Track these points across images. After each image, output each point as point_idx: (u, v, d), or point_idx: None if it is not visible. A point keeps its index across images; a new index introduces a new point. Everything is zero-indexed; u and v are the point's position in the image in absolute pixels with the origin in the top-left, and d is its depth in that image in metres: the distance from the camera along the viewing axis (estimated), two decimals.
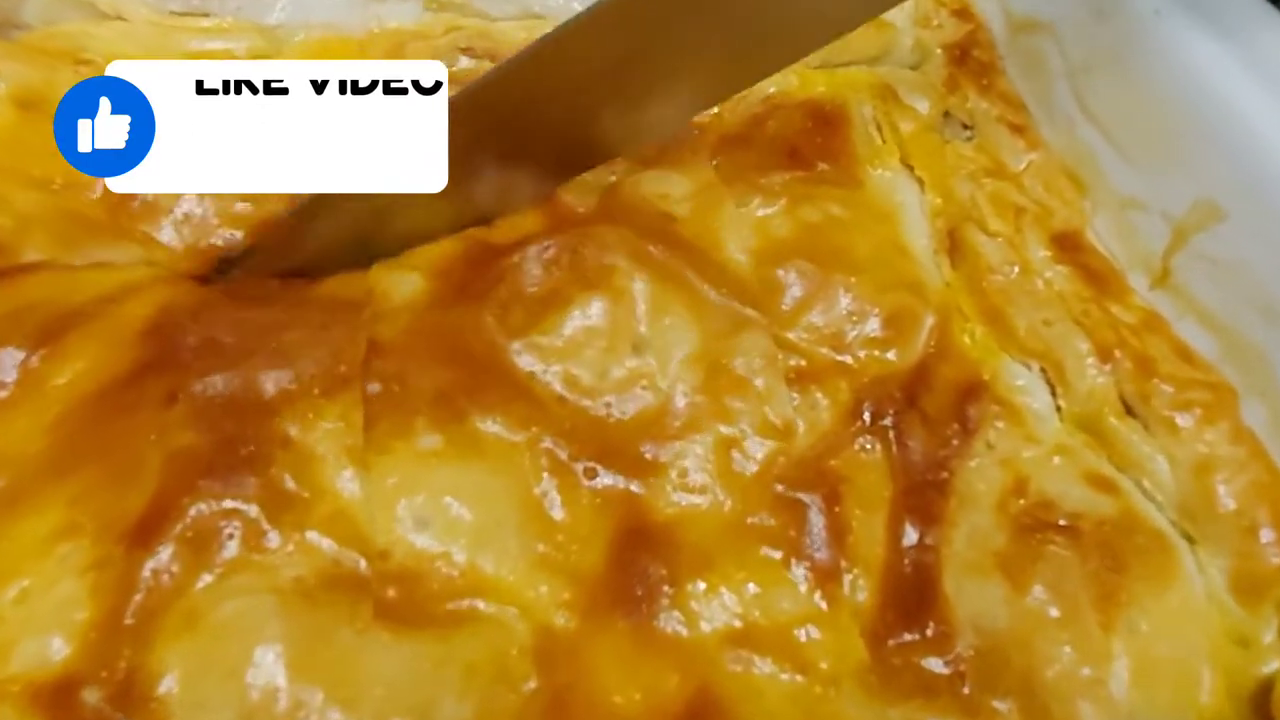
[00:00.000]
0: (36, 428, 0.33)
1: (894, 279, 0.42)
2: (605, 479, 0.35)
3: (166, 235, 0.44)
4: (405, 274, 0.42)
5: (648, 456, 0.36)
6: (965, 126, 0.51)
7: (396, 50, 0.48)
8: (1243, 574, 0.34)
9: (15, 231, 0.42)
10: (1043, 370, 0.40)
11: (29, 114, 0.46)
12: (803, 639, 0.32)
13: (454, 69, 0.47)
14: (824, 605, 0.34)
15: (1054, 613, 0.33)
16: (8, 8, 0.50)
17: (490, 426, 0.35)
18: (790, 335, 0.39)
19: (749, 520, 0.35)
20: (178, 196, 0.45)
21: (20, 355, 0.36)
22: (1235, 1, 0.44)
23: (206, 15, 0.51)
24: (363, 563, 0.32)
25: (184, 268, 0.44)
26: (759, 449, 0.36)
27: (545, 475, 0.35)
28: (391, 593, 0.32)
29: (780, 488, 0.36)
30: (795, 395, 0.39)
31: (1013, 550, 0.34)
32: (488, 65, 0.48)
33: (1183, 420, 0.37)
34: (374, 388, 0.36)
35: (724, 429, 0.36)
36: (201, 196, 0.45)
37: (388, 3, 0.53)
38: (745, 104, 0.48)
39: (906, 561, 0.35)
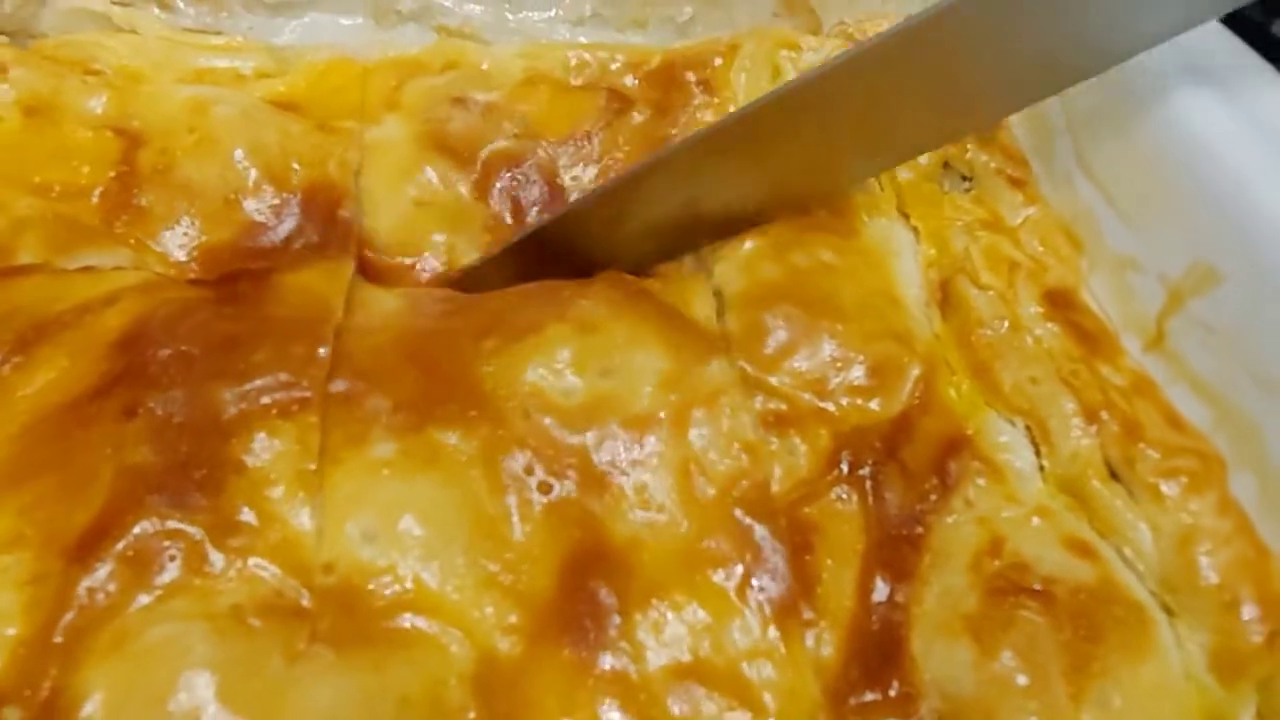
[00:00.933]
0: (0, 436, 0.33)
1: (881, 328, 0.41)
2: (561, 493, 0.34)
3: (163, 240, 0.45)
4: (385, 295, 0.42)
5: (607, 473, 0.35)
6: (964, 178, 0.50)
7: (397, 87, 0.48)
8: (1223, 651, 0.33)
9: (10, 234, 0.42)
10: (1027, 428, 0.39)
11: (35, 120, 0.47)
12: (753, 676, 0.31)
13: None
14: (779, 642, 0.33)
15: (1022, 680, 0.31)
16: (24, 16, 0.51)
17: (448, 438, 0.35)
18: (772, 379, 0.39)
19: (704, 543, 0.34)
20: (173, 203, 0.46)
21: None
22: (1236, 64, 0.44)
23: (219, 34, 0.52)
24: (305, 594, 0.31)
25: (173, 271, 0.44)
26: (720, 471, 0.36)
27: (500, 490, 0.34)
28: (331, 612, 0.31)
29: (739, 513, 0.35)
30: (774, 439, 0.38)
31: (984, 613, 0.33)
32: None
33: (1168, 488, 0.36)
34: (337, 388, 0.35)
35: (686, 448, 0.36)
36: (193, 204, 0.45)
37: (396, 29, 0.53)
38: None
39: (875, 618, 0.34)
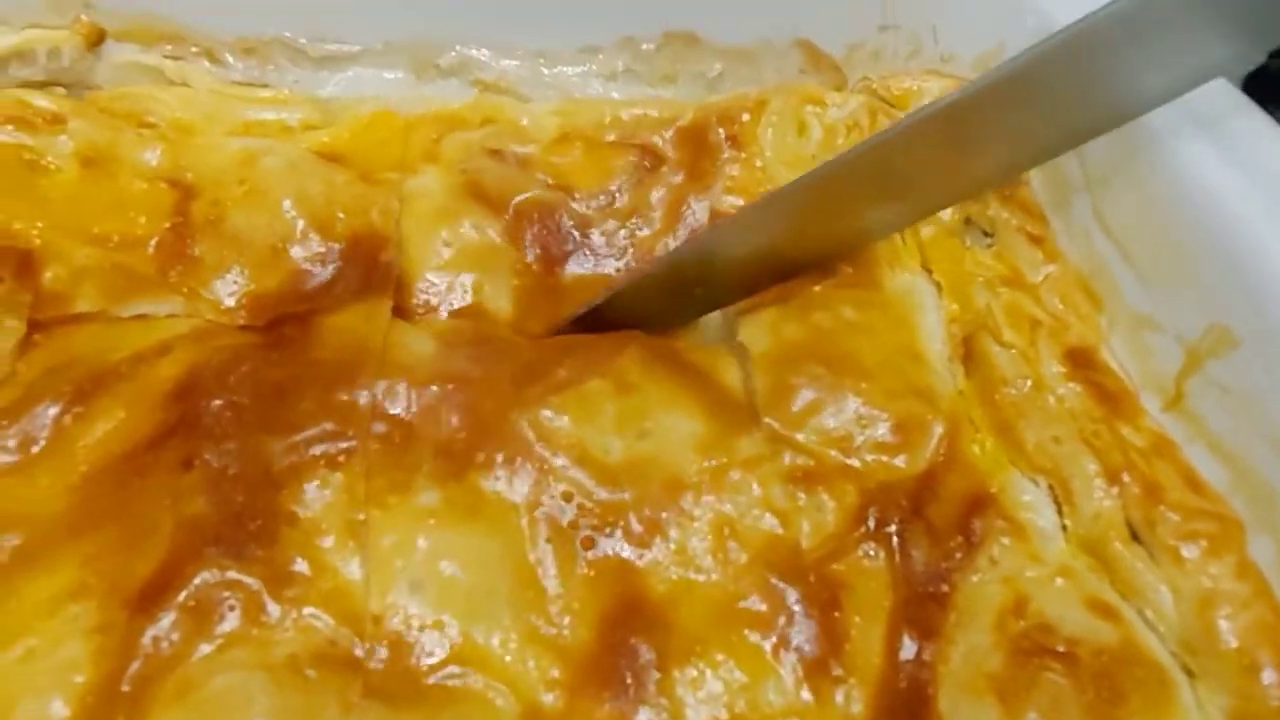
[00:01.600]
0: (60, 486, 0.35)
1: (905, 385, 0.43)
2: (604, 548, 0.36)
3: (214, 288, 0.47)
4: (421, 336, 0.44)
5: (646, 530, 0.36)
6: (986, 234, 0.52)
7: (436, 140, 0.50)
8: (1243, 714, 0.34)
9: (70, 283, 0.44)
10: (1050, 488, 0.40)
11: (92, 171, 0.49)
12: None
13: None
14: (812, 702, 0.34)
15: None
16: (80, 69, 0.53)
17: (491, 485, 0.36)
18: (799, 436, 0.40)
19: (740, 604, 0.35)
20: (223, 252, 0.48)
21: (55, 411, 0.38)
22: (1252, 126, 0.45)
23: (266, 86, 0.54)
24: (357, 644, 0.33)
25: (224, 318, 0.46)
26: (753, 536, 0.37)
27: (542, 541, 0.35)
28: (382, 663, 0.32)
29: (773, 577, 0.36)
30: (802, 495, 0.39)
31: (1009, 673, 0.34)
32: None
33: (1188, 551, 0.37)
34: (378, 430, 0.37)
35: (721, 512, 0.37)
36: (242, 253, 0.47)
37: (436, 83, 0.55)
38: None
39: (902, 676, 0.35)
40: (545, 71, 0.56)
